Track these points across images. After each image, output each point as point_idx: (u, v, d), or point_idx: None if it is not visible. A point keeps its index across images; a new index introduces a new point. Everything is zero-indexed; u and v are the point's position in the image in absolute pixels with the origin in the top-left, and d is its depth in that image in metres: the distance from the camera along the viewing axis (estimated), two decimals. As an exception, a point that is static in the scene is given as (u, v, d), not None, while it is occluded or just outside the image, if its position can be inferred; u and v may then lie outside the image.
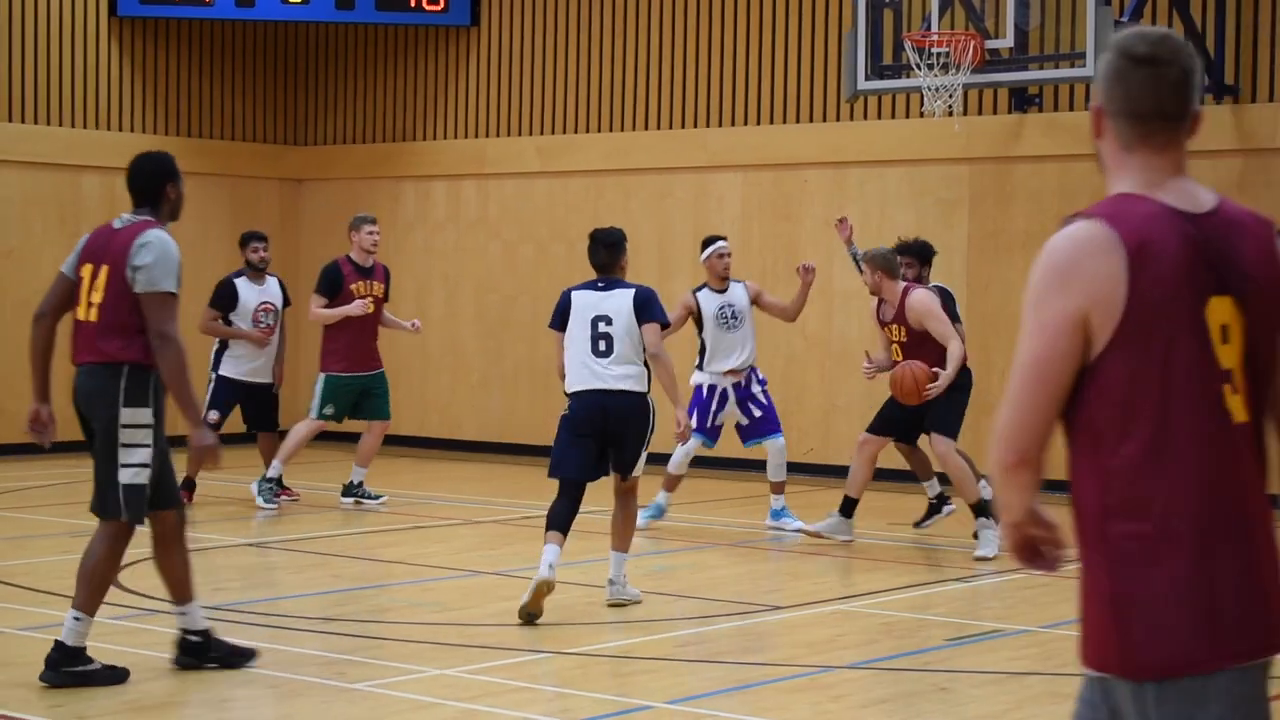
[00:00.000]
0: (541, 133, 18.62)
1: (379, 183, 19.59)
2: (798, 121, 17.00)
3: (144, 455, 7.76)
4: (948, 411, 11.98)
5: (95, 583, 7.79)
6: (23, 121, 17.86)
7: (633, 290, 9.95)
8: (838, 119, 16.72)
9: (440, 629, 9.34)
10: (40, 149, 17.99)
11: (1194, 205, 3.42)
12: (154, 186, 8.03)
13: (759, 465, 13.79)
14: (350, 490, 14.42)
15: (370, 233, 14.21)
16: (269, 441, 14.39)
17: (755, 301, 13.21)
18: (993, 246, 15.78)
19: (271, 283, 14.46)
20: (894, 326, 12.03)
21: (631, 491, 10.01)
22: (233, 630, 9.17)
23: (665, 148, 17.68)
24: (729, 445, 13.63)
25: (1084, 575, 3.40)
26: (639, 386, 9.85)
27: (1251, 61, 14.83)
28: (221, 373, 14.28)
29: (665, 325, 10.09)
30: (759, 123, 17.24)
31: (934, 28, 14.14)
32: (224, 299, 14.24)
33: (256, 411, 14.44)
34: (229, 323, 14.22)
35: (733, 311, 13.07)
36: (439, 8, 18.89)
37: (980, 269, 15.79)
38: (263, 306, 14.28)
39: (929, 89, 13.89)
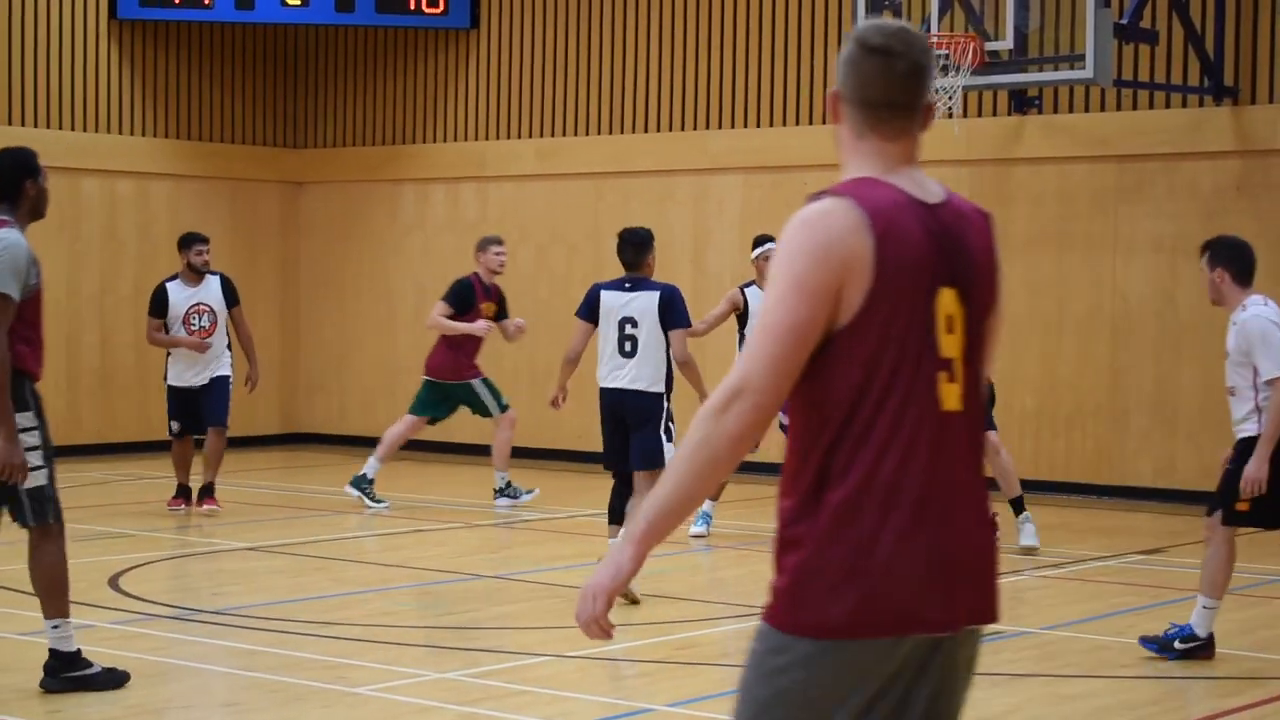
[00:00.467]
0: (541, 135, 18.62)
1: (378, 185, 19.59)
2: (798, 124, 17.00)
3: (35, 458, 7.53)
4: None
5: (54, 589, 7.69)
6: (23, 124, 17.85)
7: (658, 292, 10.37)
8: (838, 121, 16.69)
9: (440, 633, 9.33)
10: (40, 152, 17.87)
11: (927, 196, 3.52)
12: (11, 183, 7.66)
13: (760, 468, 13.76)
14: (359, 484, 14.42)
15: (497, 254, 14.57)
16: (217, 439, 13.90)
17: None
18: (992, 248, 15.75)
19: (211, 283, 14.02)
20: None
21: (648, 483, 10.18)
22: (233, 634, 9.17)
23: (665, 150, 17.68)
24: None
25: (786, 538, 3.42)
26: (653, 387, 10.36)
27: (1251, 63, 14.83)
28: (169, 382, 14.03)
29: (688, 327, 10.53)
30: (759, 125, 17.24)
31: (933, 29, 14.14)
32: (155, 304, 13.97)
33: (206, 408, 13.88)
34: (168, 329, 13.95)
35: None
36: (438, 10, 18.89)
37: (980, 271, 15.77)
38: (194, 308, 13.91)
39: (928, 91, 13.89)
